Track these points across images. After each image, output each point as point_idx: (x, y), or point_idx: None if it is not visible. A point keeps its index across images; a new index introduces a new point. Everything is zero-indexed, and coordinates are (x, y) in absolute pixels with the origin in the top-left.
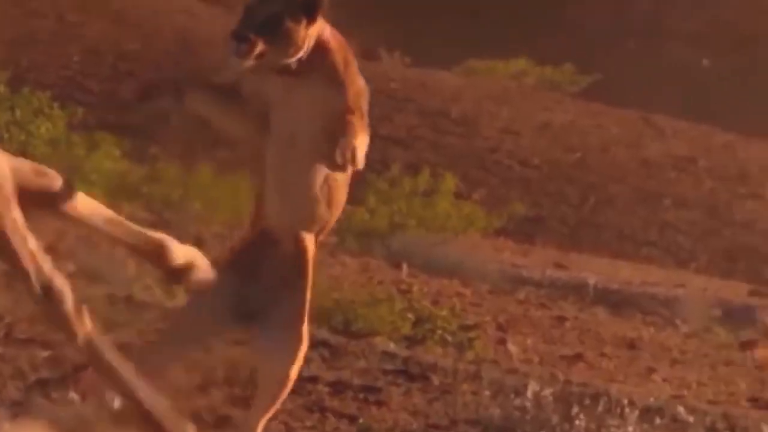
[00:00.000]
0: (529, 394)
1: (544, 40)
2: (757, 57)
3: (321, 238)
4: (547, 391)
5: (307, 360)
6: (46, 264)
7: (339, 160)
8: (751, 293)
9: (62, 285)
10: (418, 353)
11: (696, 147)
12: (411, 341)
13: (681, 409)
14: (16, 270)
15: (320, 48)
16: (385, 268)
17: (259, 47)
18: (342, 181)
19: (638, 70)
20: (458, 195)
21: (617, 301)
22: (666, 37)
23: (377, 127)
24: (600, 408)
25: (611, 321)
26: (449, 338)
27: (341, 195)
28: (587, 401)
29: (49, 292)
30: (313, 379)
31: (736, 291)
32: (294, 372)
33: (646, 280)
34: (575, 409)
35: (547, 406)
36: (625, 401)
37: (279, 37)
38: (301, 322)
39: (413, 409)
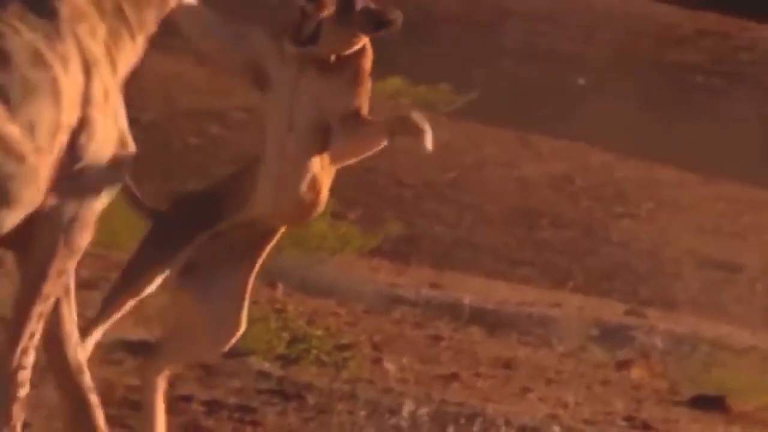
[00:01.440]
0: (404, 413)
1: (420, 60)
2: (634, 76)
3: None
4: (423, 411)
5: (181, 379)
6: None
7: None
8: (627, 312)
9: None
10: (293, 373)
11: (572, 166)
12: (286, 361)
13: (557, 428)
14: None
15: (359, 50)
16: (260, 287)
17: (327, 11)
18: (328, 178)
19: (514, 89)
20: (335, 215)
21: (493, 321)
22: (542, 57)
23: None
24: (475, 428)
25: (487, 340)
26: (325, 358)
27: (325, 192)
28: (463, 421)
29: None
30: (188, 398)
31: (613, 310)
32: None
33: (522, 300)
34: (451, 429)
35: (422, 426)
36: (501, 421)
37: (345, 23)
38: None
39: (288, 429)
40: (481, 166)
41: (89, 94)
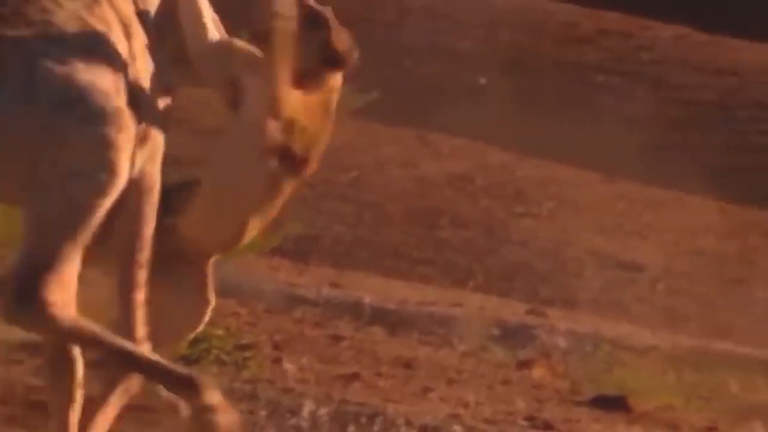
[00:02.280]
0: (305, 413)
1: None
2: (534, 76)
3: None
4: (323, 411)
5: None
6: None
7: None
8: (528, 312)
9: None
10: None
11: (473, 165)
12: (187, 361)
13: (458, 428)
14: None
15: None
16: None
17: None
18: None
19: (415, 88)
20: None
21: (394, 320)
22: (442, 56)
23: None
24: (376, 427)
25: (387, 340)
26: (225, 358)
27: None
28: (363, 420)
29: None
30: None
31: (514, 310)
32: None
33: (423, 299)
34: (351, 429)
35: (322, 426)
36: (402, 421)
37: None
38: None
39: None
40: (382, 166)
41: (134, 53)
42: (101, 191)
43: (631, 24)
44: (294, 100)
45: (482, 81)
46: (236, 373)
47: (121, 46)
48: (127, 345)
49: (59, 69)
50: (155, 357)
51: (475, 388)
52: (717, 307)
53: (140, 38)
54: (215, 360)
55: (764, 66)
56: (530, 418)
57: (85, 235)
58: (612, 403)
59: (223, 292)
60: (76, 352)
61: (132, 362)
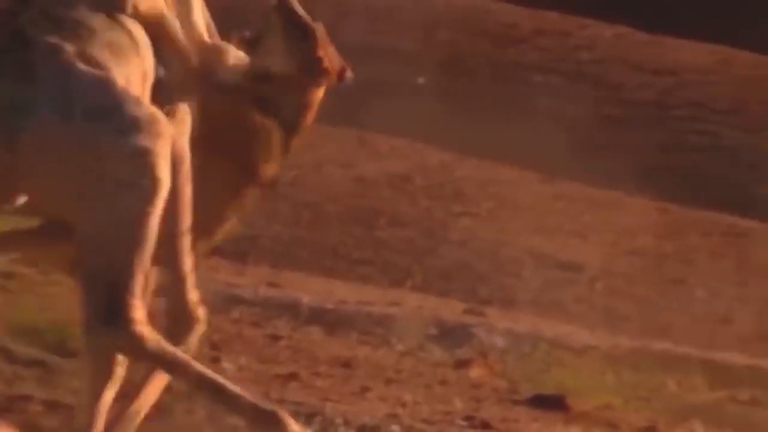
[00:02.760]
0: None
1: None
2: (473, 76)
3: None
4: None
5: (21, 379)
6: None
7: None
8: (467, 311)
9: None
10: (132, 373)
11: (411, 165)
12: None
13: (396, 427)
14: None
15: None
16: None
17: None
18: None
19: (353, 88)
20: None
21: (332, 320)
22: (380, 55)
23: None
24: (314, 427)
25: (326, 340)
26: None
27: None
28: (301, 420)
29: None
30: (27, 398)
31: (452, 309)
32: None
33: (361, 299)
34: None
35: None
36: (340, 420)
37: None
38: None
39: None
40: (320, 166)
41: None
42: (149, 200)
43: (569, 23)
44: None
45: (421, 81)
46: None
47: (141, 32)
48: (211, 374)
49: (92, 77)
50: (239, 389)
51: (413, 387)
52: (656, 307)
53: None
54: None
55: (703, 66)
56: (468, 418)
57: (147, 247)
58: (550, 403)
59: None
60: None
61: (215, 391)
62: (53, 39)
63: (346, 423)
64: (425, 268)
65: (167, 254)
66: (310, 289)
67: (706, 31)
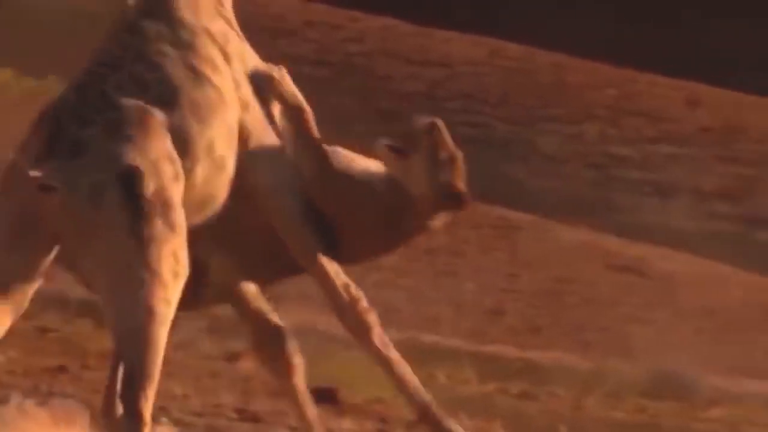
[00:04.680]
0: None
1: (29, 52)
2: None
3: None
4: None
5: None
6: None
7: None
8: None
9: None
10: None
11: None
12: None
13: (165, 419)
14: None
15: None
16: None
17: None
18: None
19: None
20: None
21: (100, 313)
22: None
23: None
24: (85, 420)
25: (95, 333)
26: None
27: None
28: None
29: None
30: None
31: None
32: None
33: None
34: None
35: None
36: None
37: None
38: None
39: None
40: None
41: (236, 76)
42: (160, 287)
43: (338, 16)
44: None
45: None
46: None
47: (225, 84)
48: None
49: (106, 147)
50: None
51: (183, 380)
52: (426, 299)
53: (237, 68)
54: None
55: (472, 57)
56: (239, 411)
57: (162, 336)
58: (321, 396)
59: None
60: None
61: None
62: (138, 103)
63: None
64: None
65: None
66: (78, 282)
67: (475, 23)
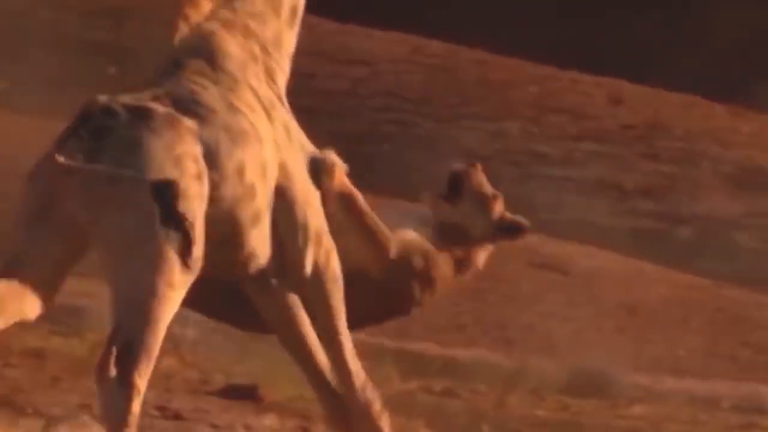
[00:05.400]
0: None
1: None
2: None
3: None
4: None
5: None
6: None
7: None
8: None
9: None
10: None
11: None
12: None
13: (86, 418)
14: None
15: None
16: None
17: None
18: None
19: (44, 78)
20: None
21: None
22: (70, 47)
23: None
24: (7, 417)
25: (17, 331)
26: None
27: None
28: None
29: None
30: None
31: None
32: None
33: None
34: None
35: None
36: (30, 410)
37: None
38: None
39: None
40: (15, 156)
41: (277, 138)
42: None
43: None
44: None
45: (112, 71)
46: None
47: (264, 129)
48: None
49: (130, 133)
50: None
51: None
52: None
53: (282, 113)
54: None
55: (394, 55)
56: (160, 408)
57: (163, 316)
58: (242, 393)
59: None
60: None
61: None
62: (169, 110)
63: (37, 413)
64: None
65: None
66: None
67: (397, 20)
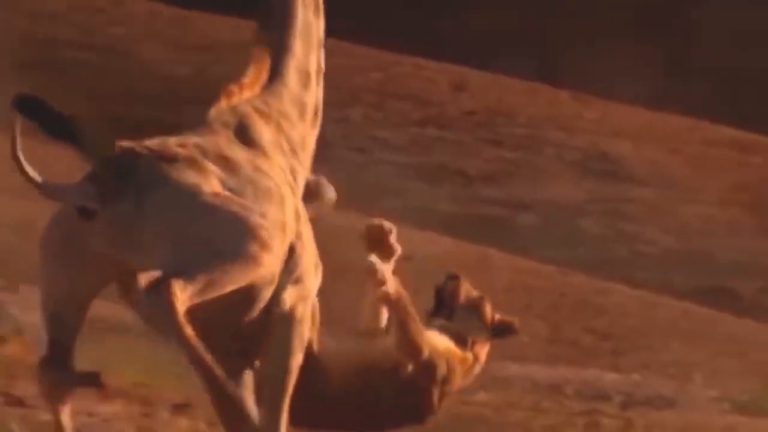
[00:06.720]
0: None
1: None
2: (8, 53)
3: None
4: None
5: None
6: None
7: None
8: (2, 289)
9: None
10: None
11: None
12: None
13: None
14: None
15: None
16: None
17: None
18: None
19: None
20: None
21: None
22: None
23: None
24: None
25: None
26: None
27: None
28: None
29: None
30: None
31: None
32: None
33: None
34: None
35: None
36: None
37: None
38: None
39: None
40: None
41: (299, 209)
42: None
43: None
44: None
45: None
46: None
47: (287, 197)
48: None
49: (151, 168)
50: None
51: None
52: None
53: (300, 205)
54: None
55: (237, 41)
56: (4, 395)
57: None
58: (86, 380)
59: None
60: None
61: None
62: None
63: None
64: None
65: None
66: None
67: (238, 5)
